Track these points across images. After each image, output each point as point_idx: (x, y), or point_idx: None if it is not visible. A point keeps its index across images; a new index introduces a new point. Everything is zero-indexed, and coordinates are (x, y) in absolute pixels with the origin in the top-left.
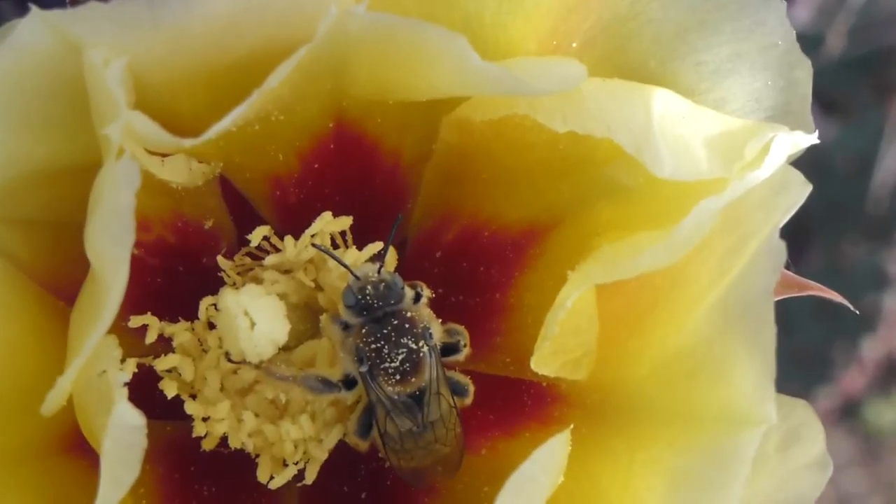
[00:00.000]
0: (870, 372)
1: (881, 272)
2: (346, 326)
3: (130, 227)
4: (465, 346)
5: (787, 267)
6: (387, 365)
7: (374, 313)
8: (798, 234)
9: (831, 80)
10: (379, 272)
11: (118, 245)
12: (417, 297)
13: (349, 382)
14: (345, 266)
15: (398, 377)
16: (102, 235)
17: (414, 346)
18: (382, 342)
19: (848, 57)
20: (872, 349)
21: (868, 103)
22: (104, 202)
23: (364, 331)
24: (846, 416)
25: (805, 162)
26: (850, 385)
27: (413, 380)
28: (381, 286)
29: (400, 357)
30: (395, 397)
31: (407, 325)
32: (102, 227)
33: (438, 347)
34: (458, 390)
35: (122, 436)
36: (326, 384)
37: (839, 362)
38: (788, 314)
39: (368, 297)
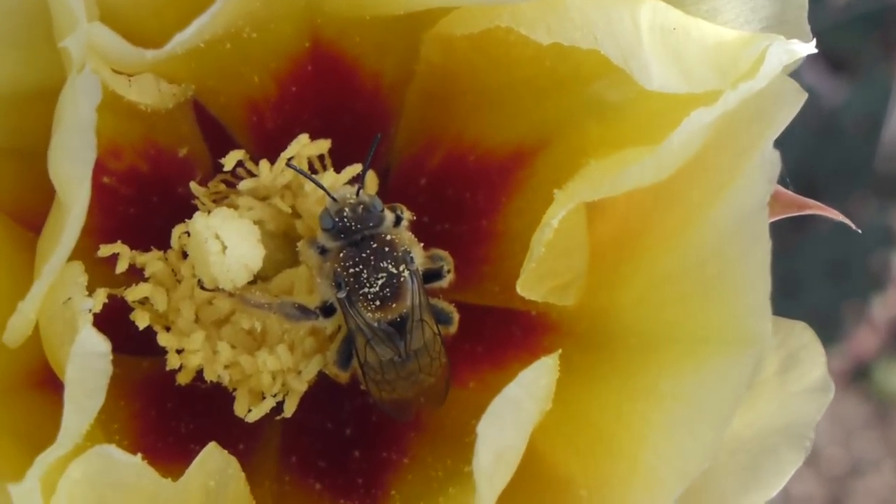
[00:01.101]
0: (881, 332)
1: (891, 231)
2: (323, 251)
3: (91, 142)
4: (448, 271)
5: (786, 186)
6: (366, 290)
7: (352, 236)
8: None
9: (838, 38)
10: (357, 194)
11: (78, 162)
12: (398, 221)
13: (327, 309)
14: (321, 187)
15: (378, 303)
16: (62, 153)
17: (394, 271)
18: (361, 266)
19: (855, 14)
20: (883, 309)
21: (876, 61)
22: (64, 119)
23: (342, 255)
24: (857, 378)
25: (813, 121)
26: (861, 346)
27: (394, 306)
28: (360, 208)
29: (380, 282)
30: (376, 325)
31: (387, 249)
32: (62, 144)
33: (421, 273)
34: (442, 318)
35: (86, 363)
36: (303, 311)
37: (849, 323)
38: (798, 275)
39: (346, 220)
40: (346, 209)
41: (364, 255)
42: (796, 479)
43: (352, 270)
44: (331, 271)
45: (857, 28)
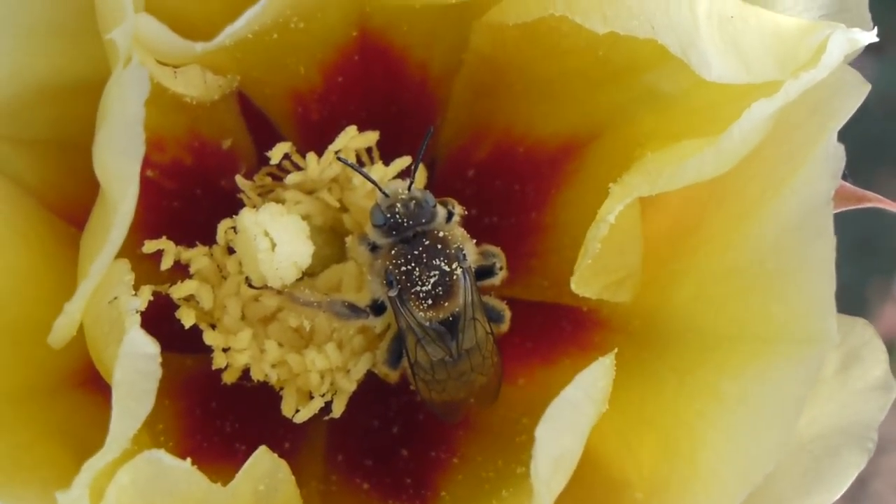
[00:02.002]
0: None
1: None
2: (374, 247)
3: (139, 138)
4: (500, 268)
5: (844, 178)
6: (418, 289)
7: (403, 233)
8: None
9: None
10: (409, 189)
11: (127, 158)
12: (450, 216)
13: (377, 307)
14: (372, 182)
15: (430, 302)
16: (110, 149)
17: (447, 269)
18: (413, 264)
19: None
20: None
21: None
22: (111, 113)
23: (393, 252)
24: None
25: None
26: (887, 324)
27: (446, 304)
28: (412, 204)
29: (432, 280)
30: (427, 324)
31: (439, 246)
32: (110, 139)
33: (473, 270)
34: (493, 316)
35: (135, 365)
36: (353, 309)
37: (875, 301)
38: None
39: (398, 216)
40: (398, 205)
41: (416, 252)
42: None
43: (403, 268)
44: (382, 269)
45: (882, 6)
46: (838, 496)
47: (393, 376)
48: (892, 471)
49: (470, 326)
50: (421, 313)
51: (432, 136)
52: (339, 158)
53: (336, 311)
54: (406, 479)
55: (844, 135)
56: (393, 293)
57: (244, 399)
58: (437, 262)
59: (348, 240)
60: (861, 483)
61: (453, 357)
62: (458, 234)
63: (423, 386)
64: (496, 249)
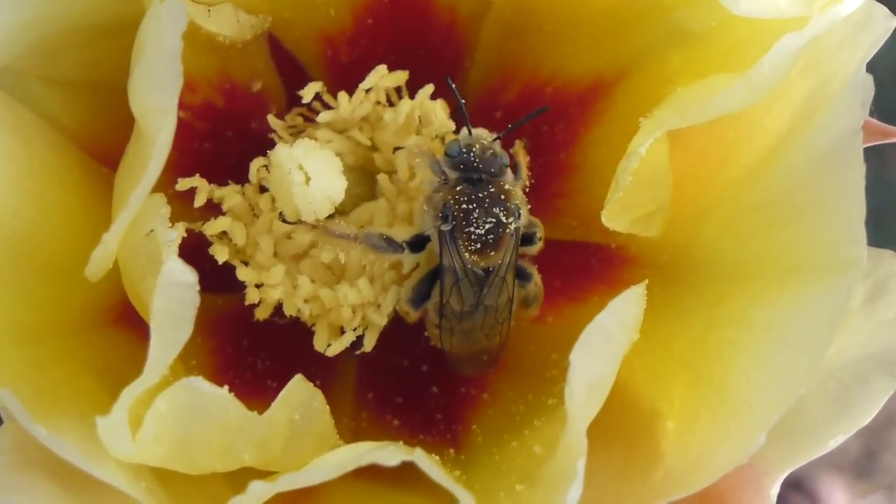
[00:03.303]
0: None
1: None
2: (443, 177)
3: (177, 71)
4: (540, 239)
5: (871, 114)
6: (472, 230)
7: (472, 173)
8: None
9: None
10: (493, 141)
11: (164, 91)
12: (516, 178)
13: (417, 244)
14: (464, 115)
15: (478, 246)
16: (147, 82)
17: (503, 220)
18: (475, 204)
19: None
20: None
21: None
22: (148, 48)
23: (459, 188)
24: None
25: None
26: None
27: (491, 254)
28: (488, 152)
29: (487, 225)
30: (469, 266)
31: (502, 197)
32: (147, 73)
33: (521, 232)
34: (523, 275)
35: (173, 293)
36: (390, 243)
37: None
38: None
39: (473, 154)
40: (476, 146)
41: (480, 195)
42: None
43: (464, 206)
44: (441, 202)
45: None
46: (867, 421)
47: (413, 316)
48: None
49: (497, 285)
50: (466, 254)
51: (461, 76)
52: (448, 81)
53: (372, 243)
54: (436, 414)
55: None
56: (446, 227)
57: (276, 337)
58: (497, 211)
59: (380, 178)
60: (871, 456)
61: (474, 307)
62: (519, 194)
63: (447, 334)
64: (537, 221)
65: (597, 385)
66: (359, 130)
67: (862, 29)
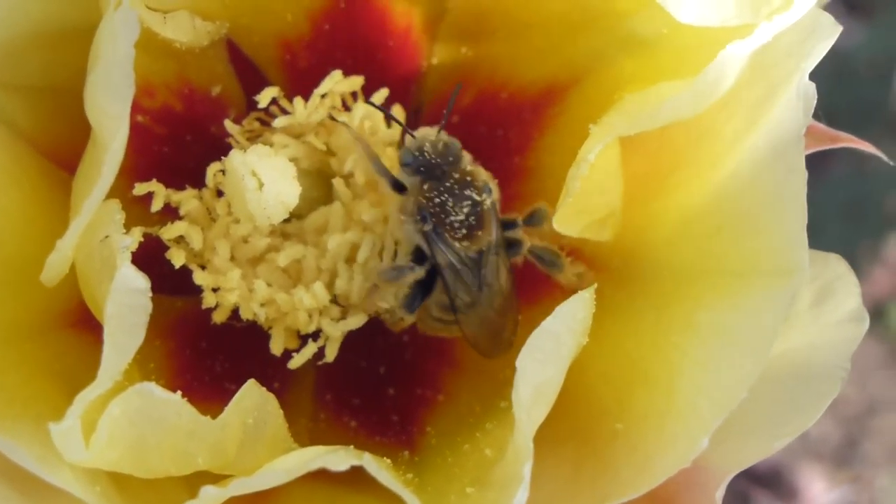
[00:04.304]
0: None
1: None
2: (399, 188)
3: (129, 77)
4: (545, 216)
5: (818, 119)
6: (452, 218)
7: (433, 170)
8: None
9: None
10: (438, 133)
11: (117, 98)
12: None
13: (418, 257)
14: (399, 124)
15: (465, 231)
16: (101, 89)
17: (477, 198)
18: (446, 195)
19: None
20: None
21: (891, 3)
22: (102, 55)
23: (426, 187)
24: (873, 319)
25: (827, 63)
26: (876, 287)
27: (479, 234)
28: (440, 145)
29: (465, 209)
30: (464, 254)
31: (468, 179)
32: (101, 80)
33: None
34: (514, 245)
35: (126, 299)
36: (398, 270)
37: (865, 264)
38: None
39: (426, 154)
40: (427, 145)
41: (448, 184)
42: None
43: (437, 200)
44: (414, 206)
45: None
46: (811, 424)
47: (407, 321)
48: (883, 432)
49: (493, 262)
50: (457, 244)
51: (417, 81)
52: (368, 103)
53: (388, 278)
54: (393, 416)
55: (835, 98)
56: (428, 227)
57: (233, 339)
58: (468, 193)
59: (335, 181)
60: (852, 445)
61: (480, 290)
62: (482, 171)
63: (465, 325)
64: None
65: (544, 389)
66: (315, 135)
67: (808, 36)
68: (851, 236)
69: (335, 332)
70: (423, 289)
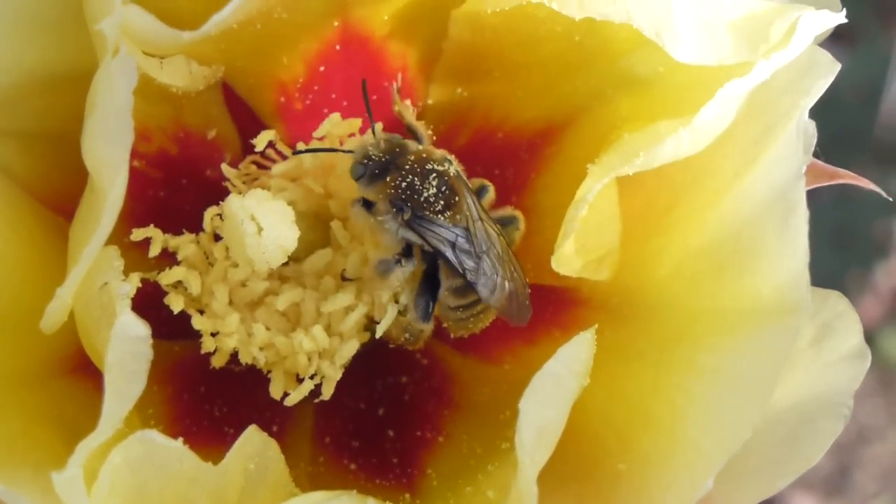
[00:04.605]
0: (885, 300)
1: (893, 198)
2: (368, 204)
3: (128, 125)
4: (488, 189)
5: (817, 156)
6: (426, 195)
7: (388, 166)
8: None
9: None
10: (374, 135)
11: (116, 145)
12: (420, 142)
13: (405, 251)
14: (333, 150)
15: (442, 202)
16: (99, 136)
17: (441, 168)
18: (410, 177)
19: None
20: (886, 277)
21: (874, 30)
22: (100, 102)
23: (388, 180)
24: None
25: None
26: (865, 315)
27: (455, 200)
28: (382, 143)
29: (434, 182)
30: (451, 227)
31: (425, 156)
32: (99, 128)
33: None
34: (506, 222)
35: (126, 347)
36: (385, 263)
37: (853, 292)
38: None
39: (375, 156)
40: (370, 148)
41: (407, 167)
42: None
43: (404, 184)
44: (386, 203)
45: None
46: (815, 463)
47: (427, 330)
48: (874, 461)
49: (481, 229)
50: (440, 217)
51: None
52: (297, 153)
53: (380, 271)
54: (393, 458)
55: (819, 126)
56: (407, 214)
57: (232, 384)
58: (430, 167)
59: (333, 224)
60: (843, 473)
61: (479, 256)
62: (437, 150)
63: (485, 290)
64: (484, 180)
65: (547, 431)
66: (312, 179)
67: (805, 74)
68: (840, 264)
69: (333, 373)
70: (430, 289)
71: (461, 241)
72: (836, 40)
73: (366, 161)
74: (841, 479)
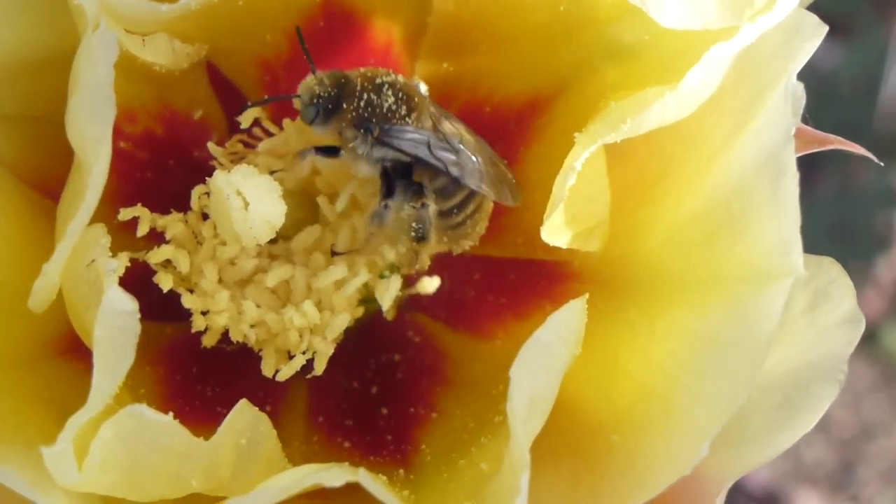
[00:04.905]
0: (886, 294)
1: (892, 191)
2: (333, 150)
3: (110, 99)
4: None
5: (806, 122)
6: (386, 106)
7: (339, 99)
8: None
9: (832, 1)
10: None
11: (98, 120)
12: None
13: (388, 190)
14: (280, 98)
15: (404, 109)
16: (82, 112)
17: (390, 78)
18: (365, 95)
19: None
20: (887, 270)
21: (870, 22)
22: (82, 79)
23: (345, 107)
24: (864, 341)
25: (810, 84)
26: (867, 309)
27: (416, 104)
28: (325, 79)
29: (389, 92)
30: (421, 131)
31: (370, 74)
32: (81, 103)
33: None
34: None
35: (114, 322)
36: (379, 213)
37: (855, 285)
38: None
39: (323, 93)
40: (316, 87)
41: (359, 89)
42: (806, 443)
43: (363, 104)
44: (351, 129)
45: None
46: (810, 428)
47: (432, 247)
48: (879, 457)
49: (446, 125)
50: (407, 123)
51: None
52: (247, 106)
53: (378, 224)
54: (386, 435)
55: (818, 120)
56: (375, 131)
57: (224, 363)
58: (380, 80)
59: (320, 200)
60: (847, 469)
61: (456, 151)
62: (377, 67)
63: (471, 179)
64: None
65: (539, 400)
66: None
67: (793, 37)
68: (840, 257)
69: (325, 348)
70: (418, 204)
71: (434, 139)
72: (832, 33)
73: (316, 100)
74: (845, 474)
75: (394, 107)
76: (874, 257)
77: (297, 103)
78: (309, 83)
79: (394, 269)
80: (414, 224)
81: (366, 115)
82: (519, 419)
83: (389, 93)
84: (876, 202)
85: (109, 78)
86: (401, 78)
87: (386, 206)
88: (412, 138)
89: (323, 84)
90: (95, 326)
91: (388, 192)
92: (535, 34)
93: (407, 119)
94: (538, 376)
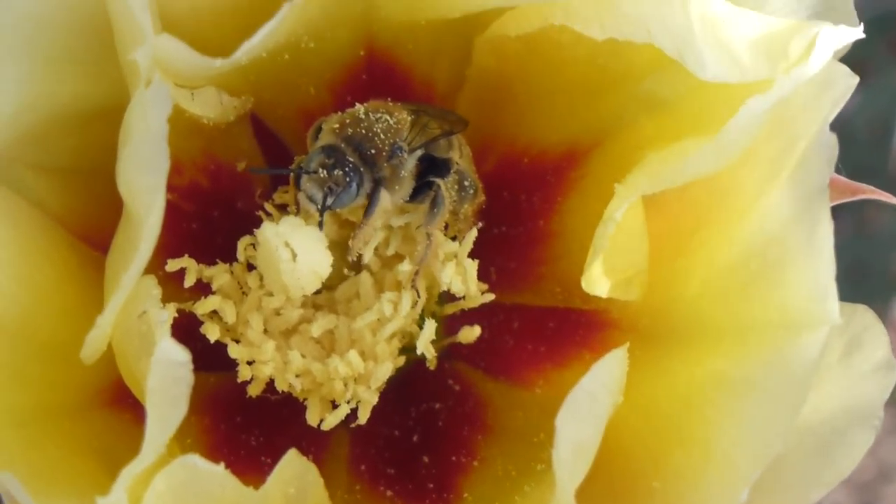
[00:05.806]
0: None
1: None
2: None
3: (164, 151)
4: None
5: (839, 172)
6: (384, 123)
7: (362, 153)
8: None
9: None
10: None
11: (152, 172)
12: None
13: (418, 189)
14: (286, 171)
15: (390, 115)
16: (135, 164)
17: (376, 116)
18: (375, 126)
19: (864, 19)
20: None
21: (886, 65)
22: (135, 131)
23: (373, 153)
24: None
25: (831, 129)
26: None
27: (388, 105)
28: (325, 158)
29: (367, 115)
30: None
31: (346, 120)
32: (134, 156)
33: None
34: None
35: (168, 372)
36: (433, 215)
37: None
38: None
39: (345, 142)
40: (320, 173)
41: (369, 131)
42: None
43: (381, 135)
44: (387, 162)
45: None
46: (847, 475)
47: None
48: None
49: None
50: (427, 123)
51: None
52: (251, 170)
53: (434, 223)
54: (429, 483)
55: (838, 163)
56: (406, 151)
57: (268, 413)
58: (377, 115)
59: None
60: None
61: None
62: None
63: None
64: None
65: (583, 448)
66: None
67: (825, 88)
68: (857, 300)
69: (370, 396)
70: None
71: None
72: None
73: (339, 149)
74: None
75: (388, 119)
76: (890, 299)
77: (334, 188)
78: (304, 166)
79: (430, 314)
80: (465, 183)
81: (390, 141)
82: (565, 468)
83: (370, 116)
84: (891, 245)
85: (163, 129)
86: (357, 104)
87: (434, 207)
88: (430, 132)
89: (341, 157)
90: (149, 377)
91: (429, 184)
92: (573, 88)
93: (400, 119)
94: (583, 424)
